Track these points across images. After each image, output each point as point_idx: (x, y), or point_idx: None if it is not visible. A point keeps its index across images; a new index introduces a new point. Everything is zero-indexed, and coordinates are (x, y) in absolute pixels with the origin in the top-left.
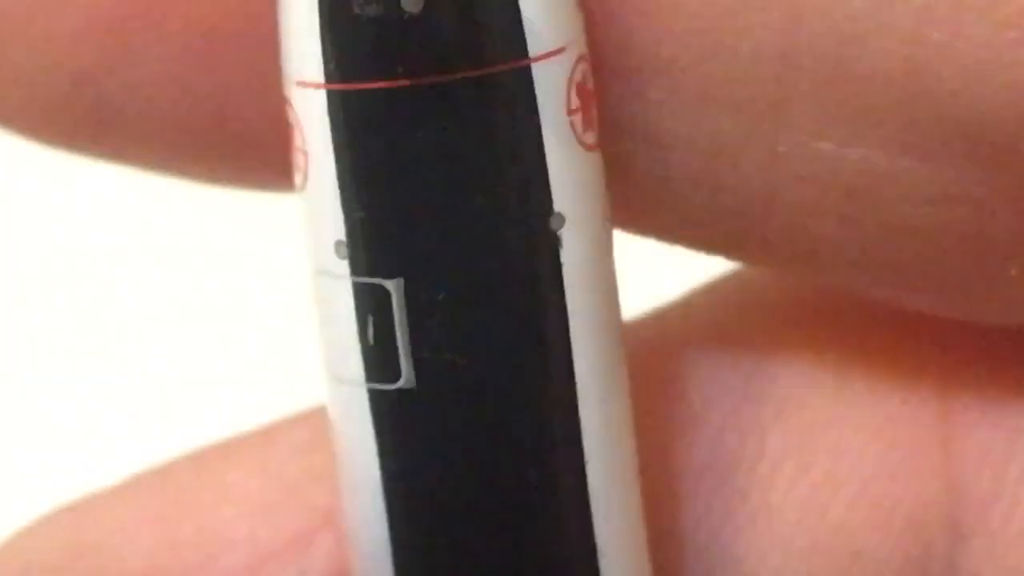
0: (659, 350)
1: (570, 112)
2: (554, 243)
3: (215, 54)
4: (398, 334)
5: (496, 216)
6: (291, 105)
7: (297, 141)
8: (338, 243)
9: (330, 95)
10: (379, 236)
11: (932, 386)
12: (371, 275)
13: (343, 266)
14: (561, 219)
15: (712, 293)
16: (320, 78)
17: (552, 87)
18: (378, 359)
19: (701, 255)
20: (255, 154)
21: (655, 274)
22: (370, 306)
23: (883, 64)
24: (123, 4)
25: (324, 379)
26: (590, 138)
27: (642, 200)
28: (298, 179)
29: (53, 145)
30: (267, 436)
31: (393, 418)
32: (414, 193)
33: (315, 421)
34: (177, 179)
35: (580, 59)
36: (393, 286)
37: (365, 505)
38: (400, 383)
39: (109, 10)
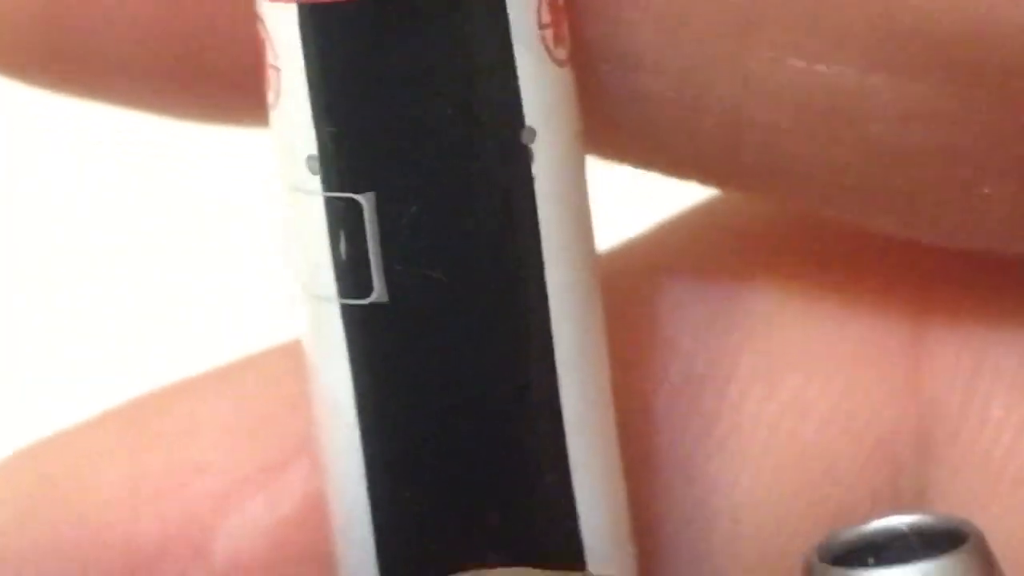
0: (631, 277)
1: (541, 26)
2: (526, 156)
3: None
4: (370, 248)
5: (468, 129)
6: (262, 22)
7: (269, 57)
8: (310, 158)
9: (301, 9)
10: (351, 150)
11: (903, 307)
12: (343, 189)
13: (315, 181)
14: (532, 133)
15: (683, 222)
16: None
17: (523, 1)
18: (350, 274)
19: (673, 183)
20: (228, 83)
21: (628, 207)
22: (342, 221)
23: None
24: None
25: (297, 293)
26: (561, 54)
27: (614, 122)
28: (270, 96)
29: (17, 78)
30: (238, 368)
31: (366, 333)
32: (385, 106)
33: (287, 353)
34: (150, 113)
35: None
36: (365, 200)
37: (338, 422)
38: (372, 297)
39: None
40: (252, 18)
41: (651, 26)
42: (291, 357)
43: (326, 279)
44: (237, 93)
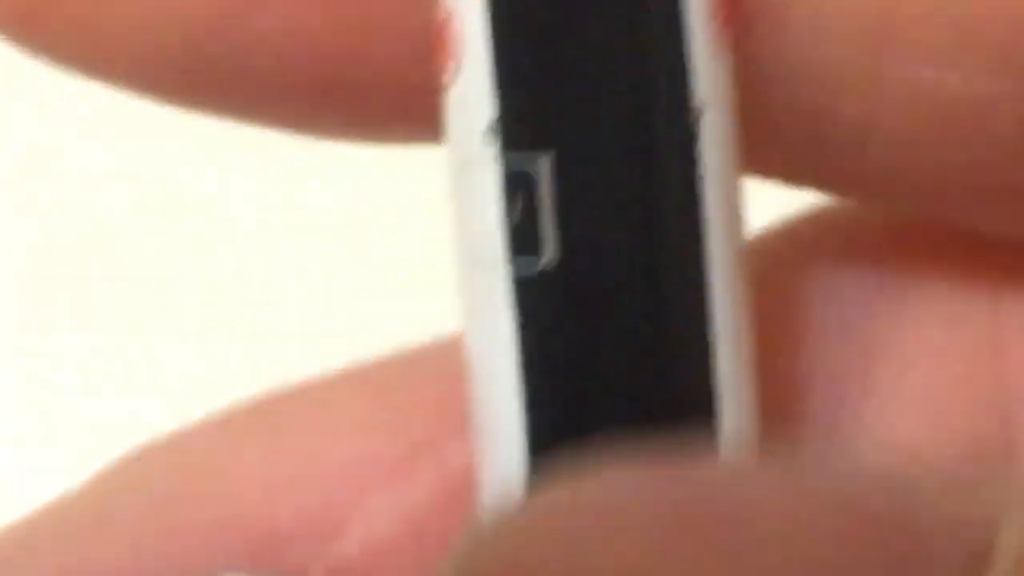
0: None
1: (714, 8)
2: (693, 132)
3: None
4: (543, 214)
5: (641, 98)
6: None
7: (456, 26)
8: (488, 127)
9: None
10: (532, 111)
11: (984, 299)
12: (521, 150)
13: (492, 147)
14: (700, 110)
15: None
16: None
17: None
18: (522, 237)
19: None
20: (388, 97)
21: None
22: (518, 183)
23: None
24: None
25: (460, 265)
26: (729, 35)
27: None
28: (451, 67)
29: (170, 103)
30: (364, 369)
31: (535, 301)
32: (568, 69)
33: (417, 357)
34: (302, 136)
35: None
36: (543, 161)
37: (500, 395)
38: (543, 264)
39: None
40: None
41: (789, 34)
42: (418, 363)
43: (494, 245)
44: (401, 107)
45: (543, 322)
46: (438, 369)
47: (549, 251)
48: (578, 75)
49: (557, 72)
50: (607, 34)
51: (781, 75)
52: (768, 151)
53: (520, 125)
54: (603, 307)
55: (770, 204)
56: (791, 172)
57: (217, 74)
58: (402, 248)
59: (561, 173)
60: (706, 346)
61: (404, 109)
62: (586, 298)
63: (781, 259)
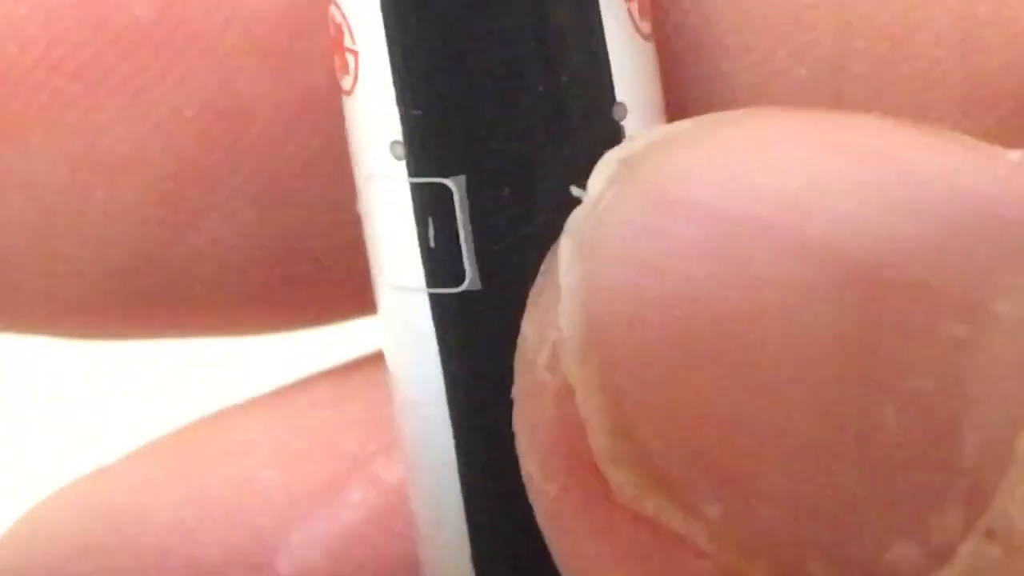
0: None
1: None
2: (617, 134)
3: (283, 198)
4: (461, 234)
5: (559, 106)
6: (337, 5)
7: (346, 42)
8: (393, 143)
9: None
10: (438, 133)
11: None
12: (431, 175)
13: (399, 167)
14: (624, 109)
15: None
16: None
17: None
18: (440, 262)
19: None
20: (326, 287)
21: None
22: (430, 207)
23: (935, 51)
24: (186, 169)
25: (377, 289)
26: (646, 27)
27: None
28: (346, 83)
29: (100, 335)
30: (285, 394)
31: (457, 322)
32: (473, 86)
33: (334, 379)
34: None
35: None
36: (455, 184)
37: (428, 415)
38: (464, 285)
39: (170, 176)
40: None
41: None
42: (335, 384)
43: (413, 269)
44: (340, 293)
45: (467, 345)
46: (362, 384)
47: (470, 278)
48: (486, 90)
49: (463, 89)
50: (517, 42)
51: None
52: None
53: (426, 148)
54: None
55: None
56: None
57: (155, 295)
58: None
59: (475, 195)
60: None
61: (353, 291)
62: (512, 322)
63: None
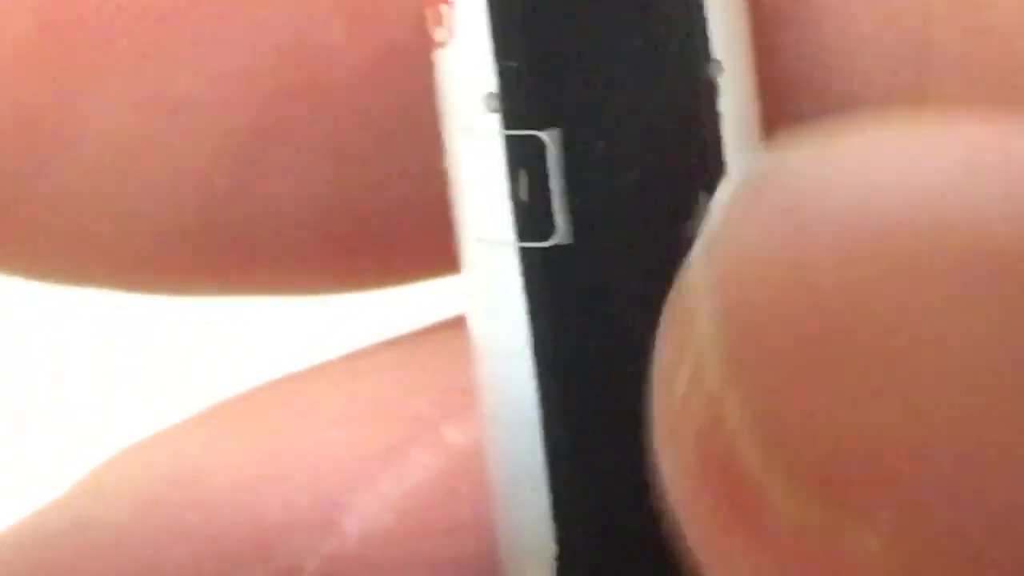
0: None
1: None
2: (713, 91)
3: (359, 153)
4: (553, 188)
5: (655, 61)
6: None
7: None
8: (488, 96)
9: None
10: (534, 85)
11: None
12: (525, 127)
13: (493, 120)
14: (719, 66)
15: None
16: None
17: None
18: (531, 216)
19: None
20: (398, 250)
21: None
22: (524, 160)
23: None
24: (263, 120)
25: (462, 243)
26: None
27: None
28: (439, 34)
29: (170, 290)
30: (350, 359)
31: (546, 276)
32: (571, 38)
33: (400, 346)
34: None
35: None
36: (549, 137)
37: (512, 371)
38: (555, 239)
39: (245, 127)
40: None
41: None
42: (400, 350)
43: (502, 223)
44: (411, 257)
45: (556, 300)
46: (429, 352)
47: (561, 231)
48: (584, 43)
49: (560, 41)
50: None
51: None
52: None
53: (524, 100)
54: (618, 284)
55: None
56: None
57: (224, 247)
58: None
59: (569, 149)
60: None
61: (423, 253)
62: (601, 276)
63: None
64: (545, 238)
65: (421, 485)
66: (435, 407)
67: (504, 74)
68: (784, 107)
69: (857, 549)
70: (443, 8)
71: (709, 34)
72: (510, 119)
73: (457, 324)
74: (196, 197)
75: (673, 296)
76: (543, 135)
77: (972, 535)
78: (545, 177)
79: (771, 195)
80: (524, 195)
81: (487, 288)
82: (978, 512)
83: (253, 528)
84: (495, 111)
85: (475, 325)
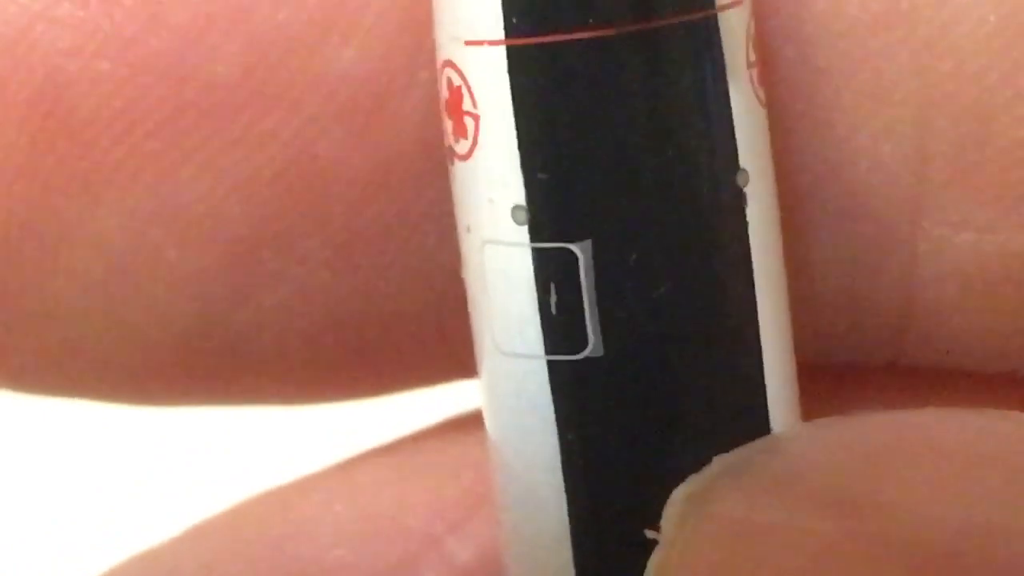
0: None
1: (749, 65)
2: (740, 200)
3: (357, 263)
4: (585, 301)
5: (686, 172)
6: (456, 67)
7: (465, 105)
8: (515, 208)
9: (511, 51)
10: (564, 197)
11: None
12: (556, 240)
13: (521, 232)
14: (746, 175)
15: None
16: (499, 34)
17: (735, 37)
18: (561, 329)
19: None
20: (393, 360)
21: None
22: (554, 273)
23: (1018, 132)
24: (260, 231)
25: (485, 355)
26: (763, 94)
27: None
28: (461, 147)
29: (158, 402)
30: (343, 471)
31: (577, 389)
32: (600, 149)
33: (393, 456)
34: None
35: (751, 15)
36: (580, 249)
37: (539, 484)
38: (587, 352)
39: (243, 237)
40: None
41: (820, 220)
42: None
43: (531, 335)
44: (409, 362)
45: (586, 412)
46: (424, 462)
47: (592, 344)
48: (614, 153)
49: (591, 153)
50: (646, 106)
51: (819, 264)
52: (804, 343)
53: (554, 212)
54: (647, 396)
55: None
56: (826, 354)
57: (222, 357)
58: None
59: (601, 261)
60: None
61: (422, 361)
62: (630, 388)
63: None
64: (576, 351)
65: None
66: (438, 521)
67: (533, 186)
68: (792, 217)
69: None
70: (467, 120)
71: (737, 143)
72: (539, 232)
73: (448, 430)
74: (192, 308)
75: None
76: (574, 247)
77: None
78: (577, 290)
79: (708, 525)
80: (554, 308)
81: (513, 400)
82: None
83: None
84: (523, 224)
85: (498, 438)
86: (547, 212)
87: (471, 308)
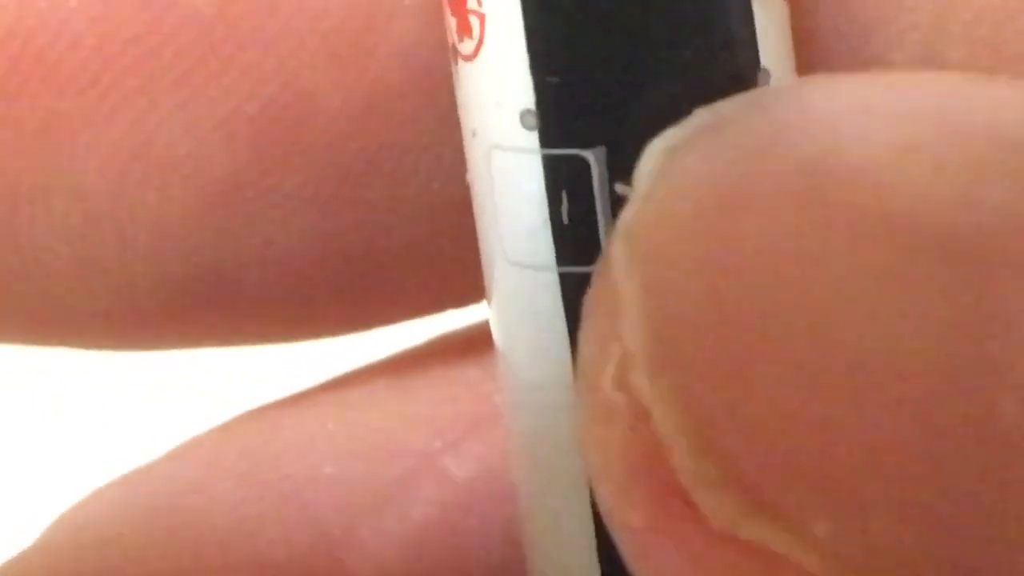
0: None
1: None
2: None
3: (342, 200)
4: (599, 209)
5: (704, 73)
6: None
7: (469, 3)
8: (524, 113)
9: None
10: (576, 102)
11: None
12: (567, 146)
13: (531, 138)
14: (767, 75)
15: None
16: None
17: None
18: (574, 239)
19: None
20: (386, 289)
21: None
22: (565, 180)
23: None
24: (243, 170)
25: (492, 267)
26: None
27: None
28: (466, 47)
29: (145, 347)
30: (337, 388)
31: None
32: (614, 50)
33: (390, 371)
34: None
35: None
36: (593, 156)
37: (551, 399)
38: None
39: (224, 177)
40: None
41: None
42: (388, 378)
43: (541, 246)
44: (395, 300)
45: None
46: (422, 379)
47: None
48: (629, 54)
49: (605, 54)
50: (664, 4)
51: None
52: None
53: (564, 118)
54: None
55: None
56: None
57: (209, 299)
58: None
59: (614, 168)
60: None
61: (415, 294)
62: None
63: None
64: (588, 263)
65: (426, 521)
66: (435, 439)
67: (543, 89)
68: None
69: (795, 563)
70: (471, 19)
71: (758, 43)
72: (550, 137)
73: (446, 347)
74: (176, 252)
75: (594, 282)
76: (587, 154)
77: (911, 547)
78: (590, 198)
79: (686, 179)
80: (565, 217)
81: (523, 314)
82: (918, 523)
83: (256, 571)
84: (533, 129)
85: (509, 352)
86: (558, 117)
87: (477, 215)
